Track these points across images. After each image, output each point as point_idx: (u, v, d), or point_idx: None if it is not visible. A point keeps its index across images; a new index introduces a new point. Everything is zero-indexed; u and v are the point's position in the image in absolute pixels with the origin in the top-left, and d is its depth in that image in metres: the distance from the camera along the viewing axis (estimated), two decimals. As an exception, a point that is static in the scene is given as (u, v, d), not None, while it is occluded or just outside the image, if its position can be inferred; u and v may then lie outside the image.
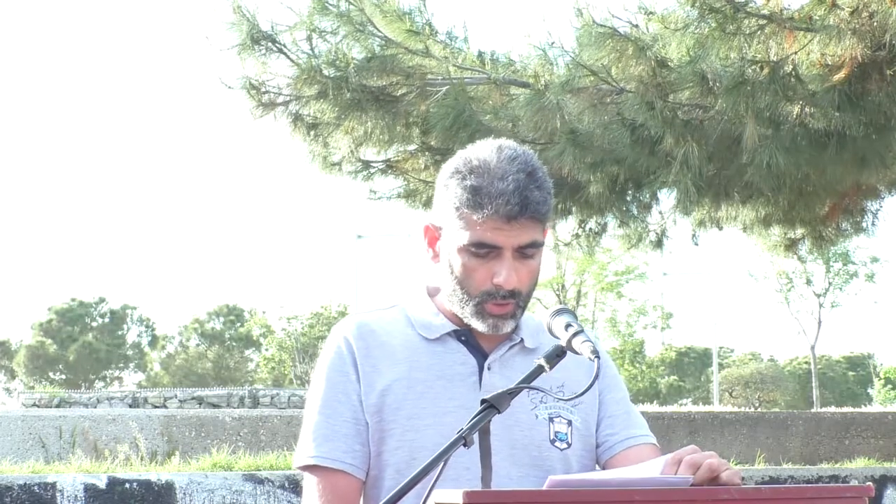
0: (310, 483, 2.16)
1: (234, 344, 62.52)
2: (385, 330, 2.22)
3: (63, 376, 58.57)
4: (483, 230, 2.08)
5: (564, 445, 2.17)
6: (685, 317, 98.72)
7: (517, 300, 2.13)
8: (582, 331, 2.00)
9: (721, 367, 50.42)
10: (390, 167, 9.53)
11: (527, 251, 2.11)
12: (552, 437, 2.17)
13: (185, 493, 6.44)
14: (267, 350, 58.84)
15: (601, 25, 7.28)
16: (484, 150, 2.14)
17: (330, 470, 2.14)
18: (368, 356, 2.18)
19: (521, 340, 2.21)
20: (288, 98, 8.57)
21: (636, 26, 7.52)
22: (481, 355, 2.19)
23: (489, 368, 2.17)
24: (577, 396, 2.01)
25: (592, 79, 7.54)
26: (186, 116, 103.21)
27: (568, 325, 2.02)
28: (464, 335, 2.20)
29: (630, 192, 9.32)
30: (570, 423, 2.20)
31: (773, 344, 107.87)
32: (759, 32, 6.97)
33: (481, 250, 2.10)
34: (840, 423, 13.48)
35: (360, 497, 2.18)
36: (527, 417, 2.15)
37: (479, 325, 2.15)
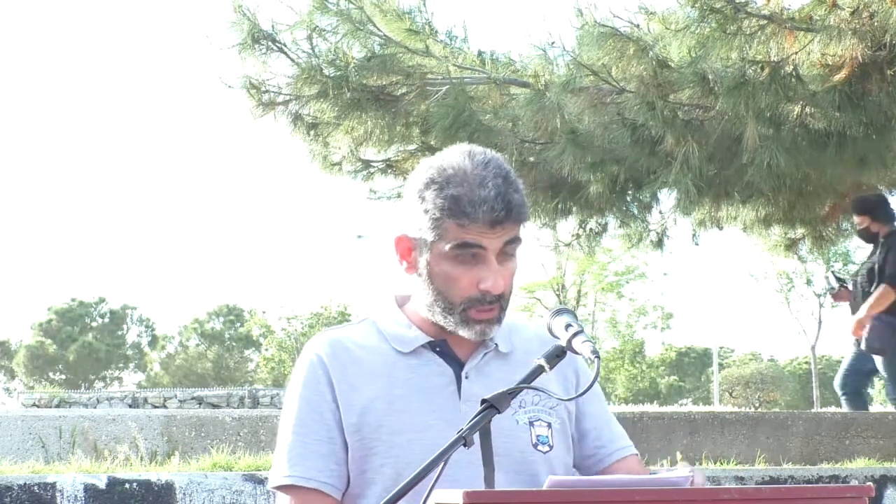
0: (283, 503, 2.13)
1: (233, 344, 62.53)
2: (358, 345, 2.19)
3: (63, 376, 58.57)
4: (466, 237, 2.06)
5: (547, 448, 2.16)
6: (685, 317, 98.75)
7: (501, 303, 2.12)
8: (582, 331, 1.99)
9: (721, 367, 50.38)
10: (390, 167, 9.52)
11: (507, 249, 2.09)
12: (534, 441, 2.16)
13: (184, 494, 6.44)
14: (267, 350, 58.87)
15: (602, 25, 7.27)
16: (455, 157, 2.11)
17: (305, 489, 2.11)
18: (344, 373, 2.15)
19: (496, 346, 2.20)
20: (288, 97, 8.56)
21: (637, 26, 7.51)
22: (458, 364, 2.17)
23: (467, 377, 2.16)
24: (578, 396, 2.01)
25: (593, 79, 7.53)
26: (186, 116, 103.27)
27: (568, 325, 2.01)
28: (438, 346, 2.17)
29: (630, 192, 9.30)
30: (549, 425, 2.18)
31: (774, 344, 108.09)
32: (759, 33, 6.96)
33: (466, 251, 2.07)
34: (840, 423, 13.44)
35: None
36: (508, 423, 2.13)
37: (466, 333, 2.13)
